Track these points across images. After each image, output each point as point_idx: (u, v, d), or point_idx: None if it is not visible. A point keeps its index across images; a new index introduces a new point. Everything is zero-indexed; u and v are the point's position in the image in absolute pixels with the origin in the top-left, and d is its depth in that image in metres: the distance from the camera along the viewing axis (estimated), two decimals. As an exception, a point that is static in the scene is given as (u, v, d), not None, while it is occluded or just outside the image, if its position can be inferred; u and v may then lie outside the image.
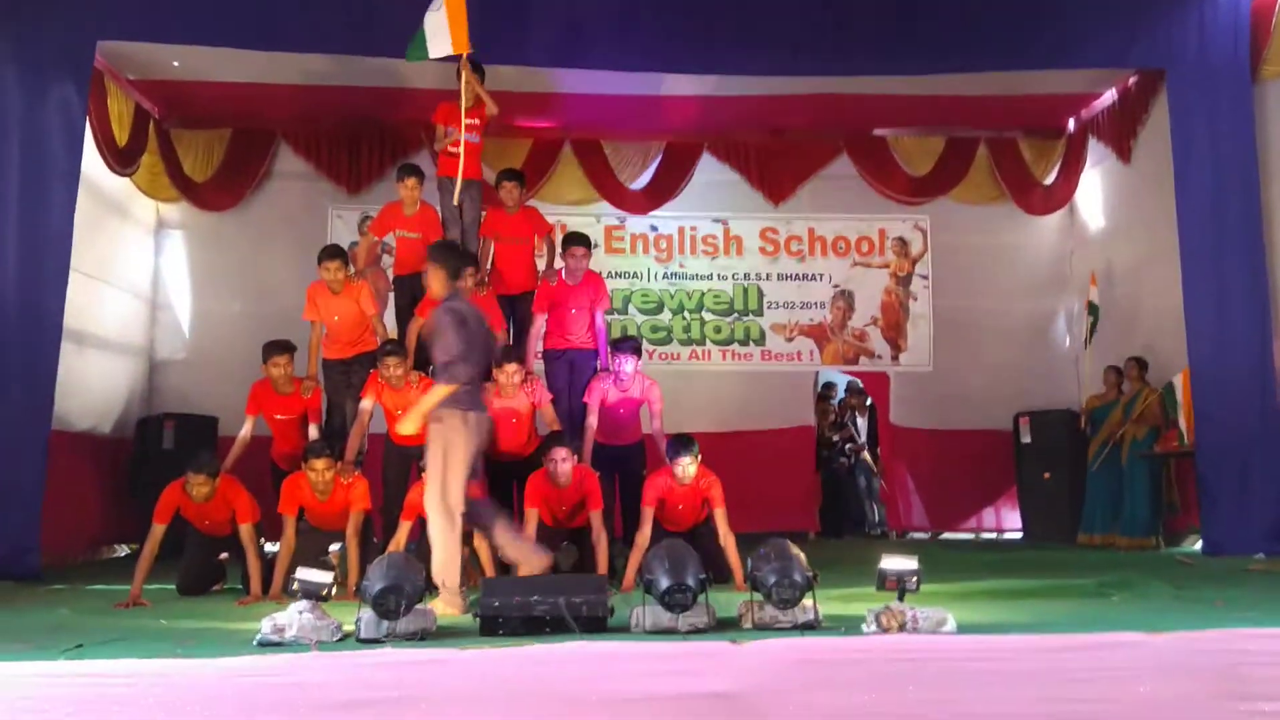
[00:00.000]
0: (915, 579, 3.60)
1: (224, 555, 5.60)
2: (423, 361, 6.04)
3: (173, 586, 5.37)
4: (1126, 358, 7.78)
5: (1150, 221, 7.94)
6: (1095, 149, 8.93)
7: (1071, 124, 9.25)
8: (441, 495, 4.38)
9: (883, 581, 3.62)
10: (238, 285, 8.89)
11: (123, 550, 7.97)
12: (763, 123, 9.11)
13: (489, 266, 6.48)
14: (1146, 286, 8.11)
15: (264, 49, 7.10)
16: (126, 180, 8.14)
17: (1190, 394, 7.10)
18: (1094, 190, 9.10)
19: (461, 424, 4.41)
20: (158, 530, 5.13)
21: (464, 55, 5.92)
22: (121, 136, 7.78)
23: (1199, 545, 7.06)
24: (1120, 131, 8.42)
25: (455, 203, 6.37)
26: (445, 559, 4.37)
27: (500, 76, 7.26)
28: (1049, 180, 9.38)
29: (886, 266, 9.45)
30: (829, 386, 9.94)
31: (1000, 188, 9.36)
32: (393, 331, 6.47)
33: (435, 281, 4.58)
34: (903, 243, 9.46)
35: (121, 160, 7.81)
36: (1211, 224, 6.87)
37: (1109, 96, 8.61)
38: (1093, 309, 8.43)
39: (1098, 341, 8.54)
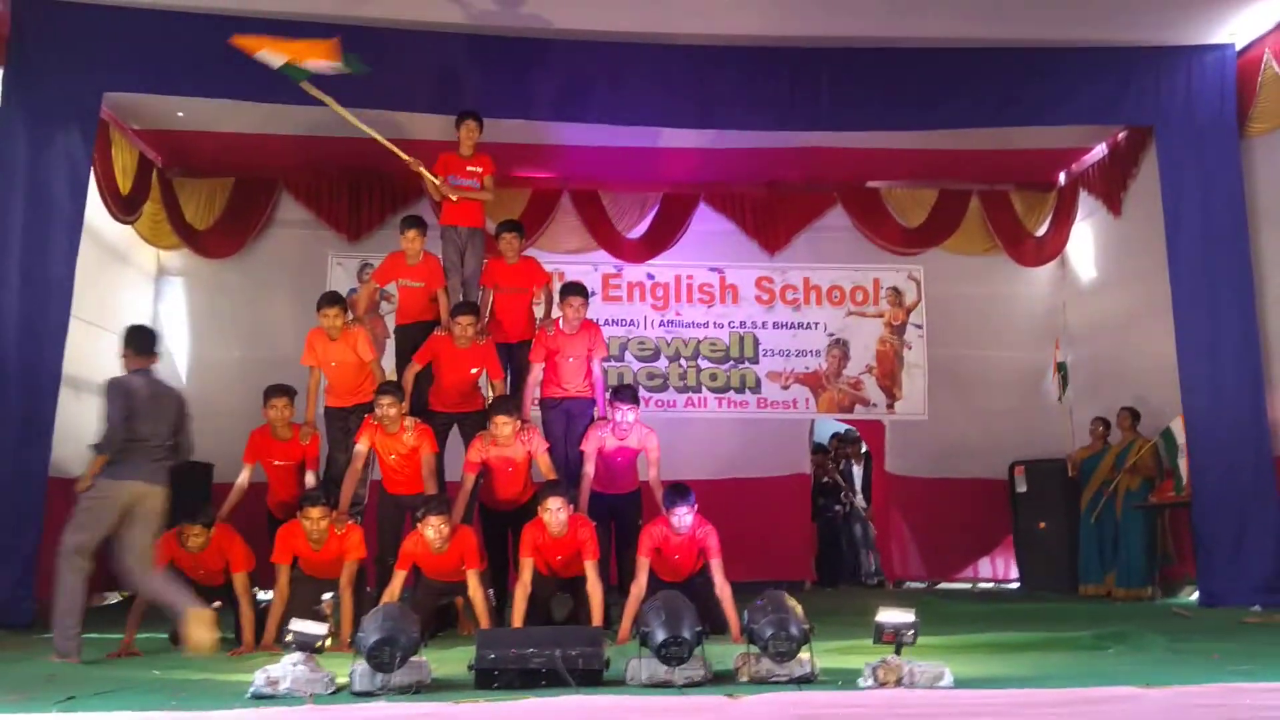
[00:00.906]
0: (912, 632, 3.58)
1: (217, 604, 5.55)
2: (418, 408, 6.08)
3: (165, 636, 5.33)
4: (1119, 408, 7.82)
5: (1141, 273, 8.04)
6: (1086, 202, 9.08)
7: (1062, 177, 9.41)
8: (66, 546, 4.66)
9: (880, 635, 3.61)
10: (237, 332, 8.94)
11: (114, 598, 7.89)
12: (758, 174, 9.25)
13: (488, 315, 6.52)
14: (1137, 337, 8.19)
15: (267, 101, 7.21)
16: (128, 228, 8.21)
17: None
18: (1085, 242, 9.22)
19: (104, 491, 4.69)
20: (151, 579, 5.09)
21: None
22: (125, 185, 7.88)
23: (1195, 596, 7.04)
24: (1110, 185, 8.56)
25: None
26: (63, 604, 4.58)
27: (500, 128, 7.38)
28: (1040, 232, 9.52)
29: (881, 316, 9.53)
30: (835, 437, 9.97)
31: (993, 239, 9.50)
32: (392, 376, 6.48)
33: (124, 361, 4.95)
34: (897, 292, 9.55)
35: (124, 208, 7.90)
36: (1203, 277, 6.95)
37: (1099, 151, 8.77)
38: (1061, 368, 8.51)
39: (1089, 391, 8.61)
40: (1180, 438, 7.24)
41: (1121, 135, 8.37)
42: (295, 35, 6.62)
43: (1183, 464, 7.17)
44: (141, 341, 5.02)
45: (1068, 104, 7.28)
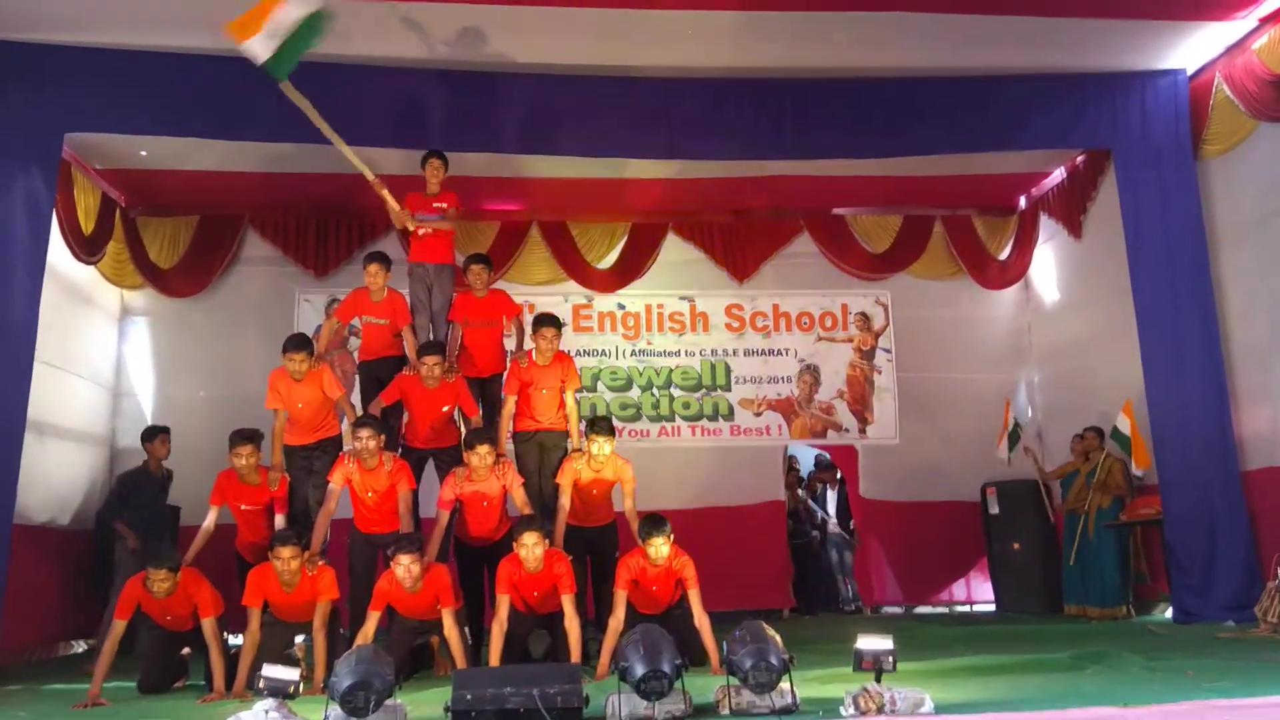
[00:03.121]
0: (891, 658, 3.60)
1: (186, 650, 5.45)
2: (391, 444, 6.01)
3: (133, 684, 5.21)
4: (1084, 428, 7.91)
5: (1103, 294, 8.18)
6: (1047, 225, 9.23)
7: (1023, 201, 9.57)
8: None
9: (859, 662, 3.61)
10: (203, 371, 8.82)
11: (80, 646, 7.72)
12: (725, 203, 9.34)
13: (458, 350, 6.47)
14: (1102, 357, 8.30)
15: (230, 138, 7.18)
16: (91, 268, 8.11)
17: (1135, 426, 7.37)
18: (1047, 265, 9.37)
19: None
20: (118, 627, 4.99)
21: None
22: (87, 225, 7.79)
23: (1169, 614, 7.10)
24: (1070, 208, 8.72)
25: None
26: None
27: (467, 162, 7.39)
28: (1003, 256, 9.66)
29: (850, 341, 9.59)
30: (791, 460, 9.99)
31: (957, 263, 9.62)
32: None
33: None
34: (865, 317, 9.62)
35: (87, 249, 7.80)
36: (1166, 296, 7.07)
37: (1058, 175, 8.94)
38: (1015, 431, 8.52)
39: (1056, 411, 8.72)
40: (1126, 426, 7.43)
41: (1080, 159, 8.53)
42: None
43: (1136, 451, 7.35)
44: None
45: (1027, 129, 7.44)
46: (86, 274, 8.14)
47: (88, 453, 8.14)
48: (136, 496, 7.22)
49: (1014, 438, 8.50)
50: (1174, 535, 6.86)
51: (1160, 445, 7.05)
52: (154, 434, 7.47)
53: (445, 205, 6.58)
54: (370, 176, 6.23)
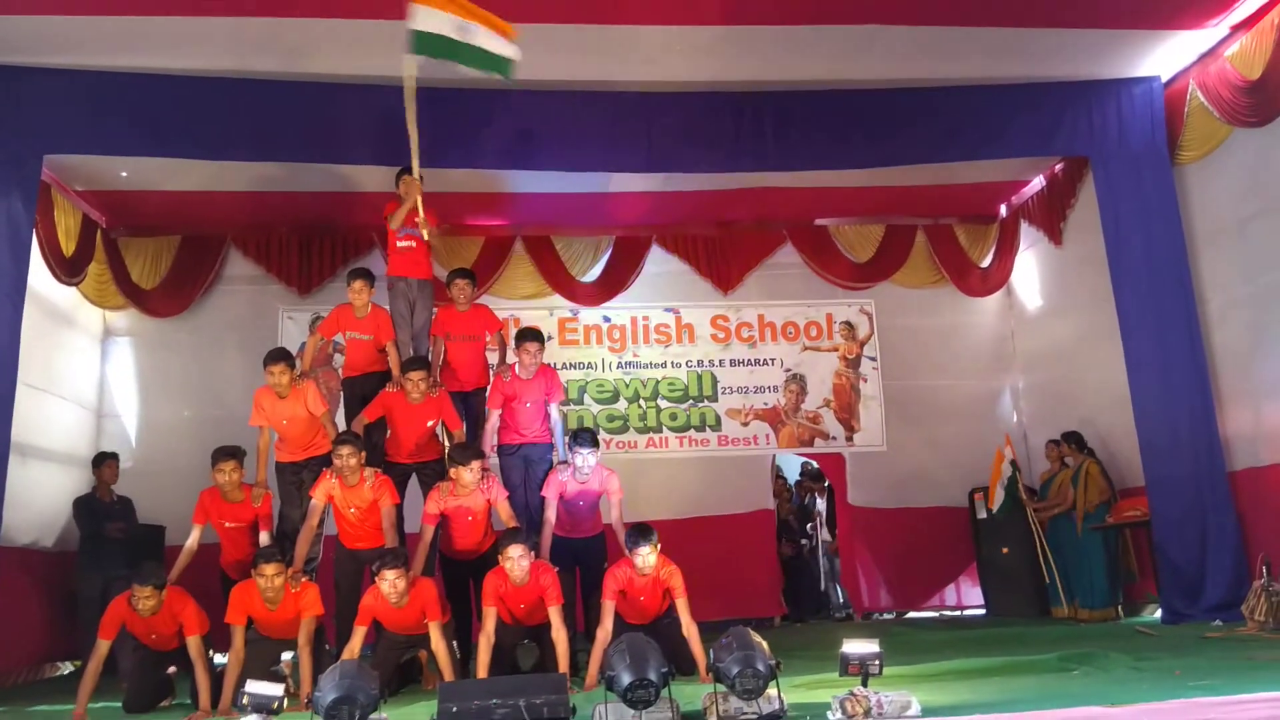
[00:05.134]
0: (878, 662, 3.59)
1: (172, 669, 5.41)
2: (374, 459, 5.99)
3: (118, 705, 5.16)
4: (1063, 432, 7.96)
5: (1085, 300, 8.24)
6: (1028, 233, 9.30)
7: (1003, 210, 9.64)
8: None
9: (845, 666, 3.61)
10: (187, 391, 8.79)
11: (67, 668, 7.65)
12: (709, 215, 9.38)
13: (440, 364, 6.46)
14: (1085, 361, 8.36)
15: (212, 158, 7.16)
16: (73, 289, 8.08)
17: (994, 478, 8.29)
18: (1029, 271, 9.43)
19: None
20: (102, 646, 4.95)
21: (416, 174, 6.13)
22: (68, 247, 7.76)
23: (1158, 614, 7.12)
24: (1050, 216, 8.79)
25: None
26: None
27: (451, 178, 7.40)
28: (985, 263, 9.72)
29: (836, 350, 9.62)
30: (776, 469, 10.01)
31: (939, 271, 9.67)
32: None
33: None
34: (850, 326, 9.66)
35: (68, 271, 7.77)
36: (1147, 301, 7.11)
37: (1037, 183, 9.01)
38: (1012, 478, 8.46)
39: (1042, 416, 8.74)
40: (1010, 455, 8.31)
41: (1058, 167, 8.60)
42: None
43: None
44: None
45: (1005, 138, 7.47)
46: (68, 295, 8.12)
47: (72, 474, 8.07)
48: (90, 524, 7.24)
49: (1011, 485, 8.41)
50: (1162, 537, 6.88)
51: (1146, 448, 7.07)
52: (102, 460, 7.55)
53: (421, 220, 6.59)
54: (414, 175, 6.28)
